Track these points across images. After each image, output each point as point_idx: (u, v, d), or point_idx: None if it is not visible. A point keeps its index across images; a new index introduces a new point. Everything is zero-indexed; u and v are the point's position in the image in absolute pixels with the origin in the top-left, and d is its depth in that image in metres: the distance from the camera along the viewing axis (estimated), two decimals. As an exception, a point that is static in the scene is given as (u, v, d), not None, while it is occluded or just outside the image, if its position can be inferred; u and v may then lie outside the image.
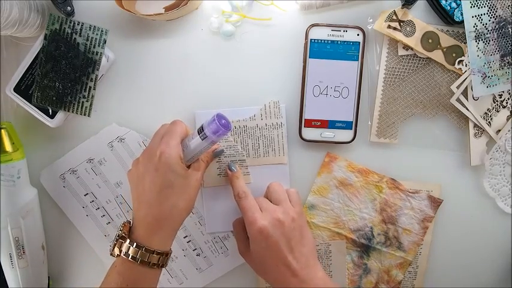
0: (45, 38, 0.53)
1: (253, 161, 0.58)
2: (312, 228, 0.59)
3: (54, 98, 0.54)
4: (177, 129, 0.49)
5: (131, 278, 0.47)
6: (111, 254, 0.48)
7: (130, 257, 0.46)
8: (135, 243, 0.46)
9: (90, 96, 0.54)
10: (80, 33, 0.53)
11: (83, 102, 0.54)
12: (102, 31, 0.54)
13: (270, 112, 0.57)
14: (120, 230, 0.48)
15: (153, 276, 0.49)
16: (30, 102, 0.54)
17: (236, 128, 0.57)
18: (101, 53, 0.54)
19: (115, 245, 0.48)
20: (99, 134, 0.58)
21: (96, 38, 0.54)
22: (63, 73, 0.53)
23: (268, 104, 0.57)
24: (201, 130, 0.49)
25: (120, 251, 0.47)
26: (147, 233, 0.47)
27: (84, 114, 0.55)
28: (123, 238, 0.47)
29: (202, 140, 0.49)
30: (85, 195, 0.59)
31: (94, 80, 0.54)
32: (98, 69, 0.54)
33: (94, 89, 0.54)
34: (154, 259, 0.47)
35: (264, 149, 0.58)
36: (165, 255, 0.48)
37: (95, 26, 0.54)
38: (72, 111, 0.54)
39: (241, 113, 0.57)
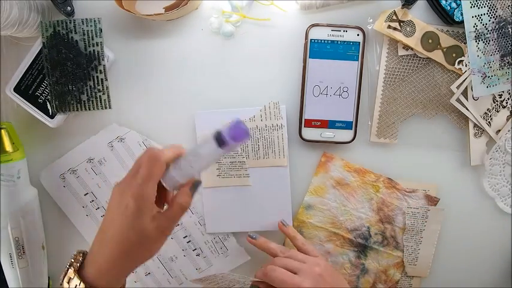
0: (44, 47, 0.53)
1: (253, 162, 0.58)
2: (308, 228, 0.59)
3: (72, 102, 0.54)
4: (157, 167, 0.42)
5: None
6: (60, 284, 0.44)
7: None
8: (81, 283, 0.42)
9: (105, 88, 0.54)
10: (75, 30, 0.53)
11: (100, 96, 0.54)
12: (95, 21, 0.53)
13: (269, 113, 0.57)
14: (72, 260, 0.44)
15: None
16: (30, 102, 0.54)
17: (236, 128, 0.57)
18: (101, 42, 0.53)
19: (64, 276, 0.44)
20: (99, 134, 0.58)
21: (91, 30, 0.53)
22: (72, 74, 0.53)
23: (268, 105, 0.57)
24: (218, 136, 0.42)
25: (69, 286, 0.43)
26: (99, 273, 0.43)
27: (105, 107, 0.54)
28: (73, 271, 0.43)
29: (220, 146, 0.42)
30: (85, 195, 0.59)
31: (103, 70, 0.54)
32: (103, 59, 0.54)
33: (106, 79, 0.54)
34: None
35: (263, 150, 0.57)
36: None
37: (86, 19, 0.53)
38: (93, 109, 0.54)
39: (240, 113, 0.57)
